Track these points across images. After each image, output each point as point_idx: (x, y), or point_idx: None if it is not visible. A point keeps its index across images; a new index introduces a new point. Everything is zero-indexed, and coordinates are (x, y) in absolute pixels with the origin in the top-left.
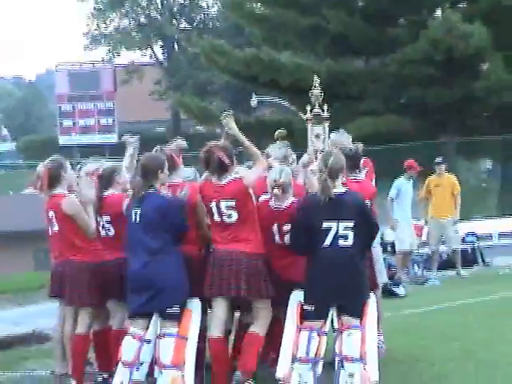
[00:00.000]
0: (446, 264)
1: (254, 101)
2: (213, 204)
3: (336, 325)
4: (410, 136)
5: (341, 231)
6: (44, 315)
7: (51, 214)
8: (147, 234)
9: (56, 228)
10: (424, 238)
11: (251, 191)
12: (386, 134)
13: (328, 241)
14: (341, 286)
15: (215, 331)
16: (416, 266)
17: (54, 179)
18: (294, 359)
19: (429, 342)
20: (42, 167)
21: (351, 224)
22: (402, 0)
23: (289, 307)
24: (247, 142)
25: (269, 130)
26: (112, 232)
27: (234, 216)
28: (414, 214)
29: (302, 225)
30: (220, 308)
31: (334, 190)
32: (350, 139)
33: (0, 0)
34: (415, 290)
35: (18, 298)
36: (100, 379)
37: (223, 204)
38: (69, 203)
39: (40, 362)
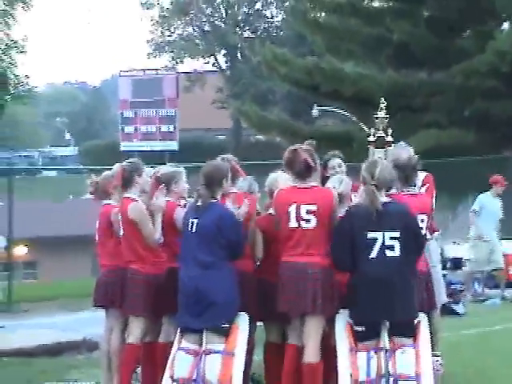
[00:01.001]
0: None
1: (315, 111)
2: (292, 208)
3: (387, 345)
4: (474, 150)
5: (387, 241)
6: (96, 323)
7: (119, 217)
8: (202, 245)
9: (121, 232)
10: None
11: (335, 203)
12: (448, 148)
13: (374, 252)
14: (391, 300)
15: (293, 340)
16: (476, 284)
17: (126, 181)
18: (357, 383)
19: (486, 365)
20: (118, 166)
21: (397, 234)
22: (469, 11)
23: (337, 327)
24: None
25: (330, 141)
26: (161, 240)
27: (313, 222)
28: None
29: (346, 237)
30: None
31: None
32: (411, 152)
33: (67, 7)
34: (475, 308)
35: (71, 305)
36: None
37: (304, 208)
38: (134, 209)
39: (87, 372)
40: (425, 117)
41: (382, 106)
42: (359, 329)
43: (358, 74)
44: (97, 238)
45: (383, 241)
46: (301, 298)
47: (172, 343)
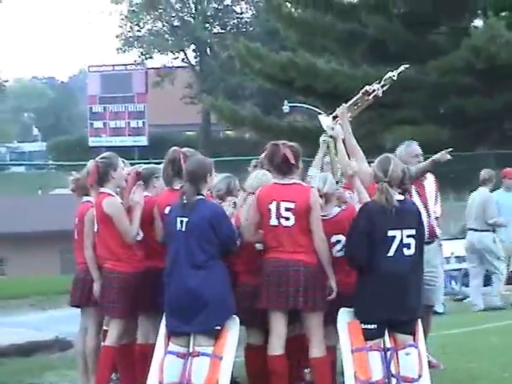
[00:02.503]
0: (485, 280)
1: (285, 107)
2: (272, 205)
3: (388, 343)
4: (449, 146)
5: (405, 240)
6: (68, 321)
7: (94, 212)
8: (193, 244)
9: (96, 228)
10: None
11: (314, 201)
12: (423, 144)
13: (392, 250)
14: (405, 299)
15: (276, 348)
16: (453, 282)
17: (101, 177)
18: (368, 383)
19: (473, 366)
20: (92, 163)
21: (413, 232)
22: (444, 7)
23: (339, 326)
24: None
25: (300, 136)
26: (140, 236)
27: (292, 220)
28: None
29: (364, 233)
30: (279, 323)
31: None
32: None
33: (35, 1)
34: (453, 307)
35: (42, 303)
36: None
37: (283, 206)
38: (110, 203)
39: (62, 374)
40: (399, 113)
41: (402, 69)
42: (370, 327)
43: (332, 69)
44: (76, 235)
45: (401, 239)
46: (282, 295)
47: (151, 344)
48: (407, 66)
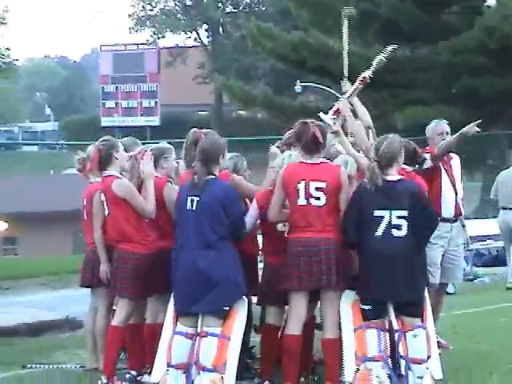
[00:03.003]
0: (495, 261)
1: (298, 87)
2: (301, 185)
3: (395, 325)
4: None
5: (394, 220)
6: (78, 301)
7: (102, 196)
8: (204, 224)
9: (106, 212)
10: None
11: (344, 180)
12: None
13: (380, 230)
14: (395, 280)
15: (294, 329)
16: (464, 263)
17: (104, 160)
18: (365, 359)
19: (482, 347)
20: (92, 147)
21: (405, 213)
22: None
23: (341, 305)
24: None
25: (313, 116)
26: (153, 215)
27: (323, 199)
28: None
29: (354, 211)
30: (300, 303)
31: (387, 178)
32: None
33: None
34: (464, 287)
35: (54, 282)
36: (128, 377)
37: (313, 185)
38: (120, 184)
39: (71, 353)
40: (412, 93)
41: (390, 49)
42: (366, 307)
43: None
44: (85, 216)
45: (390, 220)
46: (314, 274)
47: (159, 324)
48: (396, 46)
